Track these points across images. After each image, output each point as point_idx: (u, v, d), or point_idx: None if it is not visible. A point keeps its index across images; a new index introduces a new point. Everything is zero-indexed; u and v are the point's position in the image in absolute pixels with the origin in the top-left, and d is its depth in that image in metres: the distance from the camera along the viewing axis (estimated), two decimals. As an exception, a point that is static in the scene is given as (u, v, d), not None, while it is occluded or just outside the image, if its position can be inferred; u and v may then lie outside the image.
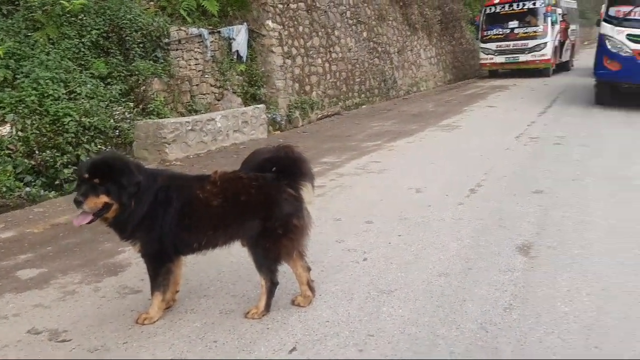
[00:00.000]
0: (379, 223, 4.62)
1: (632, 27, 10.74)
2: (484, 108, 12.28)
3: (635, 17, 10.77)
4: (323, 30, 12.93)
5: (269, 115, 10.26)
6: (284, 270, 3.17)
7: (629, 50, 10.72)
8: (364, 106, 13.86)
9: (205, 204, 2.90)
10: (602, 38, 11.27)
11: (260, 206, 2.93)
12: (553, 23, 19.14)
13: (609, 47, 11.01)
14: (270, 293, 3.02)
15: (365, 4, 15.38)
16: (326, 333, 2.84)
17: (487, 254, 3.89)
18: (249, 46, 10.76)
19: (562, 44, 21.07)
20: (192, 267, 3.67)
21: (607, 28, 11.10)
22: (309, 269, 3.17)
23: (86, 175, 2.77)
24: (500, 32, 19.55)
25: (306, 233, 3.04)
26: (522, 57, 19.19)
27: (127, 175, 2.80)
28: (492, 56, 19.84)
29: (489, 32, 19.87)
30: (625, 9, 10.90)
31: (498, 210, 4.88)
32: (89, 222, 2.80)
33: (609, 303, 3.12)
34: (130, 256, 3.94)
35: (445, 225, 4.54)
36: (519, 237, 4.22)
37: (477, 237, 4.22)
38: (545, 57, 18.93)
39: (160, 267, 2.97)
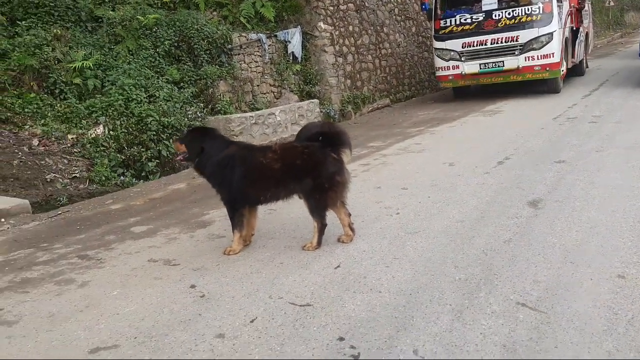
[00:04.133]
0: (412, 189, 5.51)
1: None
2: (529, 93, 12.73)
3: None
4: (372, 28, 13.79)
5: (324, 110, 11.27)
6: (332, 222, 4.13)
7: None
8: (413, 98, 14.61)
9: (268, 167, 3.90)
10: None
11: (312, 167, 3.91)
12: None
13: None
14: (321, 232, 4.00)
15: (413, 1, 16.10)
16: (363, 257, 3.79)
17: (501, 207, 4.69)
18: (303, 47, 11.81)
19: (574, 33, 13.40)
20: (262, 221, 4.70)
21: None
22: (349, 215, 4.14)
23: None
24: (468, 20, 11.72)
25: (346, 187, 4.02)
26: (510, 63, 11.38)
27: (191, 140, 4.12)
28: (456, 63, 11.90)
29: (448, 22, 12.00)
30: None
31: (519, 177, 5.63)
32: (179, 159, 4.39)
33: (592, 236, 3.88)
34: (214, 216, 5.08)
35: (470, 188, 5.36)
36: (531, 195, 4.98)
37: (495, 196, 5.03)
38: (552, 60, 11.19)
39: (234, 211, 4.03)
